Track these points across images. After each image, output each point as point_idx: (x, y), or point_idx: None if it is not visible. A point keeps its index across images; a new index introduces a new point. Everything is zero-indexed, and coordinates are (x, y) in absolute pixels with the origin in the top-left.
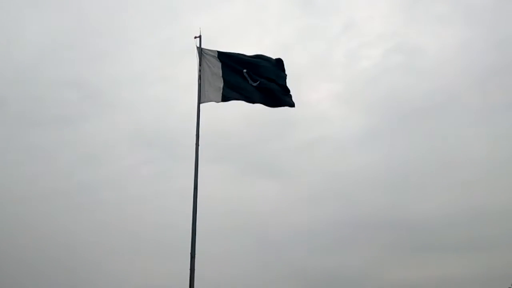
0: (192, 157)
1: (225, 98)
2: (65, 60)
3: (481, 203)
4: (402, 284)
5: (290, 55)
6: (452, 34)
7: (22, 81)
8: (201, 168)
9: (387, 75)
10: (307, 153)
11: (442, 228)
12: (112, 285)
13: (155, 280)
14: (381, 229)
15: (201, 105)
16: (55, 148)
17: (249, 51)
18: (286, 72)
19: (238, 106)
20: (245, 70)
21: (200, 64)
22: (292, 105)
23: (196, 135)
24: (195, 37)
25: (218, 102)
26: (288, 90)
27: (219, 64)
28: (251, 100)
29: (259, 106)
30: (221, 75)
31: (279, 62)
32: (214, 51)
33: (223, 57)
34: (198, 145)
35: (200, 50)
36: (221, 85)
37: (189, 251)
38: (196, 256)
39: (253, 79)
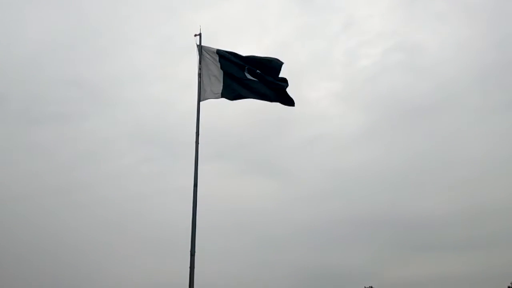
0: (192, 155)
1: (224, 95)
2: (65, 58)
3: (480, 202)
4: (402, 281)
5: (289, 53)
6: (451, 32)
7: (22, 79)
8: (201, 166)
9: (386, 74)
10: (307, 151)
11: (441, 226)
12: (112, 282)
13: (155, 278)
14: (381, 227)
15: (201, 103)
16: (55, 145)
17: (249, 49)
18: (286, 71)
19: (238, 104)
20: (245, 68)
21: (200, 62)
22: (292, 104)
23: (196, 133)
24: (195, 35)
25: (218, 98)
26: (285, 88)
27: (218, 62)
28: (251, 97)
29: (258, 104)
30: (220, 72)
31: (278, 64)
32: (214, 48)
33: (223, 54)
34: (198, 143)
35: (200, 48)
36: (221, 82)
37: (189, 248)
38: (196, 253)
39: (253, 76)
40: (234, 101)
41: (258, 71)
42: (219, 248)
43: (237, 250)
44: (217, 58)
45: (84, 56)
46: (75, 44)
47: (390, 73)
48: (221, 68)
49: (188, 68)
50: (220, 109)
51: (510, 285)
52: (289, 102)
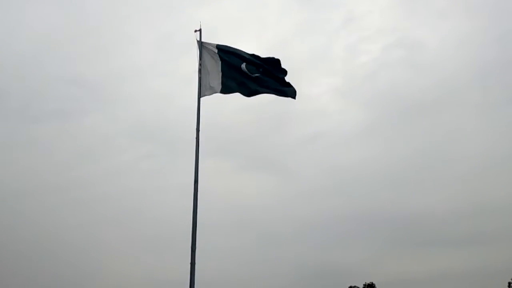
0: (192, 151)
1: (224, 90)
2: (65, 55)
3: (481, 199)
4: (402, 278)
5: (289, 49)
6: (452, 28)
7: (22, 76)
8: (202, 162)
9: (386, 70)
10: (307, 148)
11: (441, 223)
12: (112, 279)
13: (155, 274)
14: (381, 224)
15: (201, 99)
16: (55, 142)
17: (248, 45)
18: (286, 67)
19: (238, 101)
20: (244, 64)
21: (200, 58)
22: (294, 96)
23: (197, 129)
24: (195, 31)
25: (218, 93)
26: (288, 83)
27: (218, 58)
28: (250, 93)
29: (259, 101)
30: (220, 68)
31: (277, 62)
32: (214, 44)
33: (223, 50)
34: (199, 139)
35: (201, 44)
36: (221, 77)
37: (190, 245)
38: (197, 250)
39: (253, 72)
40: (234, 98)
41: (257, 69)
42: (219, 245)
43: (238, 247)
44: (217, 53)
45: (84, 53)
46: (75, 41)
47: (390, 69)
48: (221, 64)
49: (188, 64)
50: (221, 105)
51: (510, 280)
52: (288, 94)
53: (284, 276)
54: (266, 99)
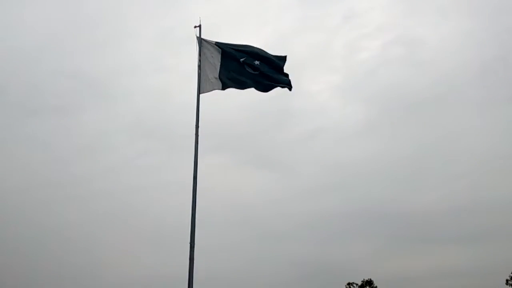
0: (192, 147)
1: (225, 86)
2: (64, 51)
3: (481, 196)
4: (401, 275)
5: (289, 46)
6: (452, 25)
7: (21, 70)
8: (201, 158)
9: (386, 67)
10: (307, 145)
11: (441, 220)
12: (110, 275)
13: (154, 270)
14: (381, 221)
15: (200, 95)
16: (53, 138)
17: (248, 41)
18: (286, 64)
19: (238, 97)
20: (243, 59)
21: (200, 54)
22: (289, 86)
23: (196, 125)
24: (195, 27)
25: (218, 89)
26: (287, 76)
27: (218, 54)
28: (249, 87)
29: (259, 97)
30: (220, 64)
31: (279, 58)
32: (213, 41)
33: (223, 47)
34: (198, 135)
35: (200, 40)
36: (221, 74)
37: (188, 241)
38: (196, 247)
39: (252, 68)
40: (234, 94)
41: (257, 62)
42: (218, 242)
43: (237, 244)
44: (217, 50)
45: (83, 49)
46: (74, 36)
47: (390, 67)
48: (221, 60)
49: (188, 60)
50: (220, 101)
51: (508, 278)
52: (286, 83)
53: (283, 273)
54: (266, 95)
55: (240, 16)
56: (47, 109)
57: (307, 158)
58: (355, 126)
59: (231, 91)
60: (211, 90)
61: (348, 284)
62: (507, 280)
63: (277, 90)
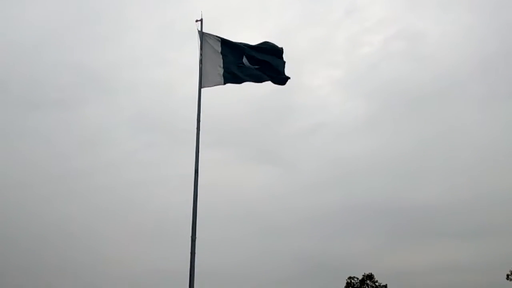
0: (193, 141)
1: (226, 81)
2: (65, 44)
3: (482, 191)
4: (403, 269)
5: (291, 40)
6: (454, 20)
7: (22, 64)
8: (202, 153)
9: (388, 61)
10: (308, 139)
11: (442, 215)
12: (112, 269)
13: (155, 264)
14: (382, 216)
15: (202, 89)
16: (55, 132)
17: (250, 35)
18: (287, 58)
19: (239, 91)
20: (244, 54)
21: (201, 48)
22: (283, 82)
23: (197, 119)
24: (197, 21)
25: (221, 84)
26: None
27: (220, 50)
28: (248, 81)
29: (260, 92)
30: (221, 58)
31: (279, 51)
32: (216, 36)
33: (225, 43)
34: (199, 129)
35: (202, 34)
36: (222, 68)
37: (190, 235)
38: (198, 241)
39: (252, 63)
40: (236, 89)
41: (257, 60)
42: (220, 236)
43: (238, 238)
44: (218, 44)
45: (85, 42)
46: (75, 30)
47: (391, 61)
48: (222, 54)
49: (190, 53)
50: (222, 96)
51: (508, 273)
52: (280, 81)
53: (284, 267)
54: (267, 90)
55: (242, 10)
56: (49, 103)
57: (309, 153)
58: (357, 121)
59: (233, 85)
60: (213, 86)
61: (349, 278)
62: (507, 275)
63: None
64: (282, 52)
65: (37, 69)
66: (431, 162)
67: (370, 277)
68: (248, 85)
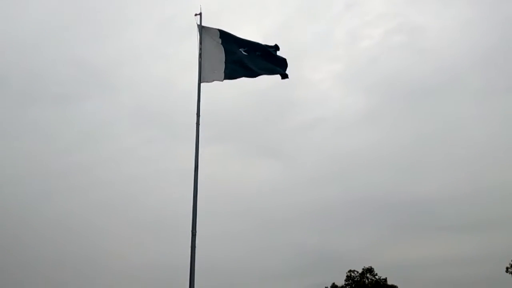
0: (193, 136)
1: (227, 77)
2: (65, 39)
3: (481, 184)
4: (403, 263)
5: (290, 34)
6: (453, 14)
7: (23, 59)
8: (202, 147)
9: (388, 55)
10: (308, 134)
11: (442, 208)
12: (112, 264)
13: (156, 259)
14: (382, 210)
15: (202, 84)
16: (55, 126)
17: (250, 30)
18: (288, 52)
19: (239, 86)
20: (245, 49)
21: (200, 42)
22: (284, 74)
23: (197, 114)
24: (196, 15)
25: (221, 81)
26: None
27: (221, 44)
28: (251, 75)
29: (260, 86)
30: (223, 53)
31: (276, 48)
32: (216, 29)
33: (225, 35)
34: (199, 124)
35: (201, 28)
36: (223, 63)
37: (190, 229)
38: (198, 236)
39: (251, 55)
40: (236, 83)
41: (258, 53)
42: (220, 230)
43: (238, 233)
44: (218, 38)
45: (85, 38)
46: (75, 25)
47: (391, 55)
48: (224, 49)
49: (190, 48)
50: (221, 90)
51: (508, 265)
52: (279, 71)
53: (285, 261)
54: (267, 85)
55: (242, 4)
56: (49, 98)
57: (309, 147)
58: (357, 115)
59: (233, 80)
60: (212, 81)
61: (349, 271)
62: (507, 268)
63: (278, 78)
64: (278, 49)
65: (37, 65)
66: (430, 156)
67: (370, 270)
68: (248, 79)
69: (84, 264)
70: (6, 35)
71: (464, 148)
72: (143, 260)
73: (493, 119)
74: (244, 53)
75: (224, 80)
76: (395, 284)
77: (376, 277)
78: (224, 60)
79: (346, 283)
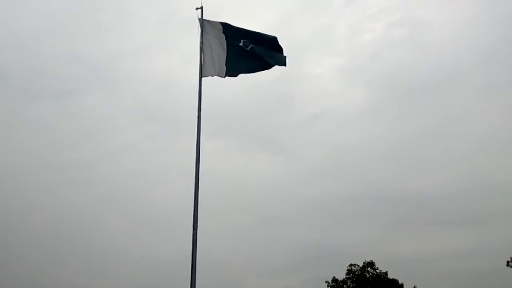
0: (194, 131)
1: (229, 73)
2: (66, 34)
3: (483, 179)
4: (404, 257)
5: (292, 28)
6: (456, 8)
7: (23, 55)
8: (203, 142)
9: (389, 49)
10: (309, 128)
11: (443, 203)
12: (113, 258)
13: (156, 253)
14: (383, 204)
15: (203, 78)
16: (56, 122)
17: (251, 24)
18: (289, 46)
19: (240, 80)
20: (244, 40)
21: (201, 36)
22: (283, 63)
23: (198, 108)
24: (197, 8)
25: (222, 77)
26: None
27: (223, 37)
28: (252, 70)
29: (261, 80)
30: (225, 48)
31: (276, 41)
32: (218, 22)
33: (227, 29)
34: (200, 118)
35: (202, 22)
36: (225, 57)
37: (191, 224)
38: (200, 231)
39: (247, 45)
40: (237, 77)
41: (256, 45)
42: (220, 225)
43: (239, 228)
44: (221, 32)
45: (84, 32)
46: (75, 20)
47: (393, 49)
48: (226, 44)
49: (191, 42)
50: (223, 84)
51: (509, 259)
52: (278, 61)
53: (285, 256)
54: (268, 79)
55: None
56: (49, 93)
57: (310, 142)
58: (358, 109)
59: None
60: (213, 76)
61: (350, 265)
62: (507, 262)
63: (279, 73)
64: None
65: (38, 60)
66: (431, 150)
67: (371, 264)
68: (248, 74)
69: (85, 259)
70: (6, 30)
71: (465, 142)
72: (144, 255)
73: (494, 114)
74: (246, 47)
75: (224, 78)
76: (395, 278)
77: (377, 271)
78: (226, 53)
79: (347, 277)
